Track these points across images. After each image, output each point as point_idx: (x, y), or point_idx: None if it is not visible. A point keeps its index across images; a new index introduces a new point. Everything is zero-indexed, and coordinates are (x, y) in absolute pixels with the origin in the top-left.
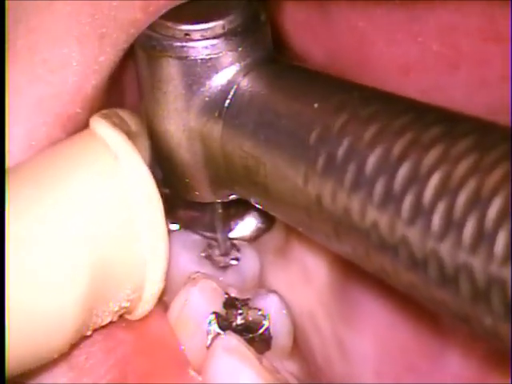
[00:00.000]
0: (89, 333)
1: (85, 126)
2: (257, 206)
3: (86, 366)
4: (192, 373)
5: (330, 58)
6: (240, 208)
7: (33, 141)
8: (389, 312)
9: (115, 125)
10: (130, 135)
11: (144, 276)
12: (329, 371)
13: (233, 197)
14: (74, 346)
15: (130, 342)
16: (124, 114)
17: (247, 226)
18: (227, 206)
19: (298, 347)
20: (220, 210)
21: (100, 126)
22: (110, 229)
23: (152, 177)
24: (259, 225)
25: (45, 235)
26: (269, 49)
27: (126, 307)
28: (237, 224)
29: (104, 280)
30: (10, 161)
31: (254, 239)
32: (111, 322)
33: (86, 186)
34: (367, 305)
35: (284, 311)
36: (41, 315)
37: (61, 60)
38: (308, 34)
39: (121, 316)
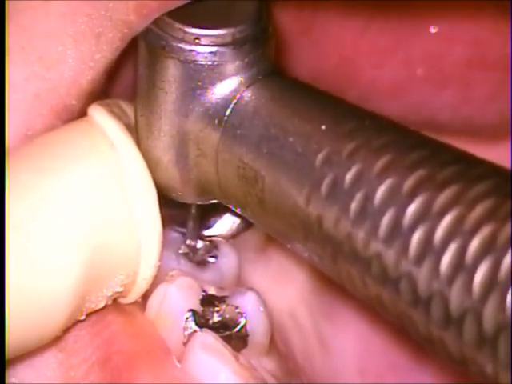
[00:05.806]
0: (83, 317)
1: (81, 115)
2: (240, 213)
3: (74, 347)
4: (175, 360)
5: (313, 78)
6: (219, 206)
7: (29, 130)
8: (371, 309)
9: (113, 113)
10: (129, 127)
11: (138, 261)
12: (309, 369)
13: (214, 201)
14: (65, 329)
15: (116, 325)
16: (125, 106)
17: (226, 223)
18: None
19: (277, 345)
20: (193, 211)
21: (97, 113)
22: (105, 215)
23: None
24: (238, 223)
25: (40, 221)
26: (272, 62)
27: (119, 292)
28: (215, 222)
29: (98, 266)
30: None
31: (232, 237)
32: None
33: (81, 173)
34: (349, 302)
35: (261, 309)
36: (34, 301)
37: (56, 57)
38: (293, 52)
39: (115, 300)
